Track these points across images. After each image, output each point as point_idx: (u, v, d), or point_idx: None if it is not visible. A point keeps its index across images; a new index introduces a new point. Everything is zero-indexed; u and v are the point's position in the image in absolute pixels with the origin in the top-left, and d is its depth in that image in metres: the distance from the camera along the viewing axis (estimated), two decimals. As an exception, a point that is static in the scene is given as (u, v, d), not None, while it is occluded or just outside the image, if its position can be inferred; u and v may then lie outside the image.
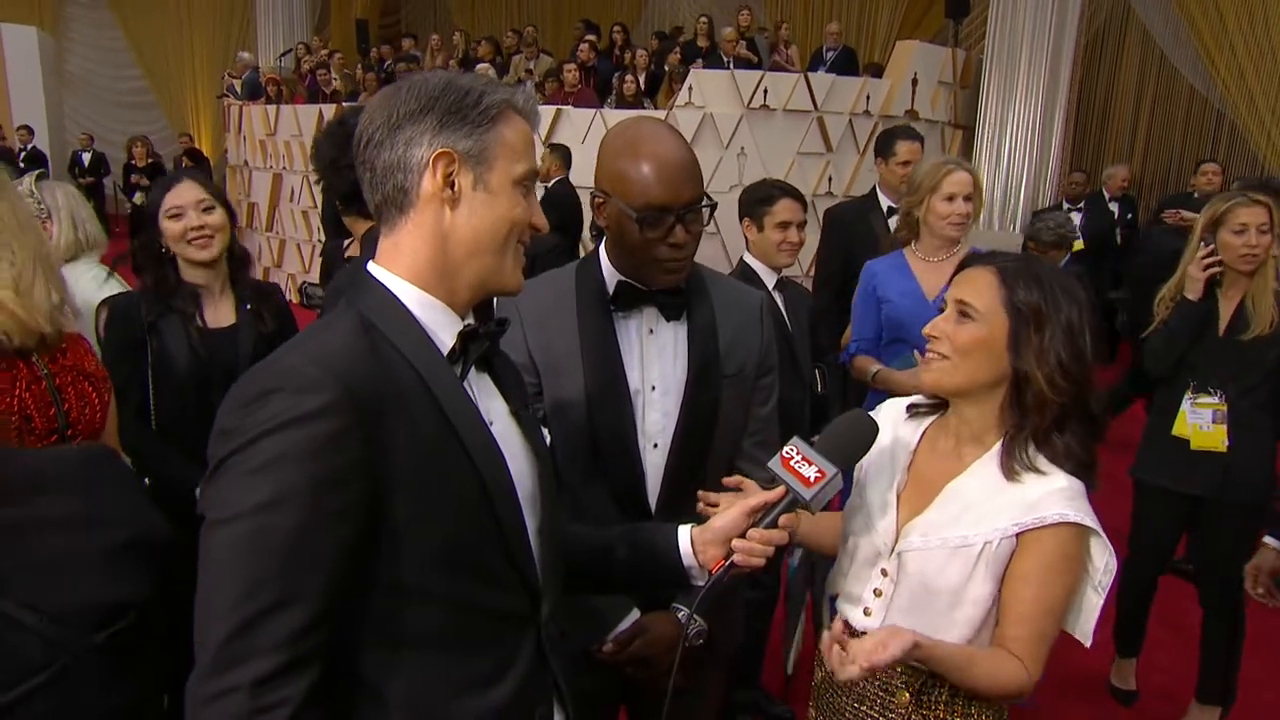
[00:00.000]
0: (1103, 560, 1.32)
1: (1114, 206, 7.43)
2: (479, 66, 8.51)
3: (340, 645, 0.93)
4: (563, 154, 6.52)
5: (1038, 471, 1.30)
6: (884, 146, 3.55)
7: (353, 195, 2.07)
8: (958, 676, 1.29)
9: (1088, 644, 1.37)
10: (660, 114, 7.36)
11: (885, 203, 3.52)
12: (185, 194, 2.16)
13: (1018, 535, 1.29)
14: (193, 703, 0.86)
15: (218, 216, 2.18)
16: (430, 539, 0.96)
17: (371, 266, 1.05)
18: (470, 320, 1.07)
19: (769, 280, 2.66)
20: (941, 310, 1.38)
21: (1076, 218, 6.95)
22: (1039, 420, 1.30)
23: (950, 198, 2.64)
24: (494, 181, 1.02)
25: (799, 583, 2.73)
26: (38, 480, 0.99)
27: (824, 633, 1.36)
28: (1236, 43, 8.24)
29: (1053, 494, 1.28)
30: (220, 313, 2.24)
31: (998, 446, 1.35)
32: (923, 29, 10.31)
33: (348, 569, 0.91)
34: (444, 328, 1.03)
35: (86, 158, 12.07)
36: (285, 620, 0.86)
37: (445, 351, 1.02)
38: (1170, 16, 8.86)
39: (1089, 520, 1.28)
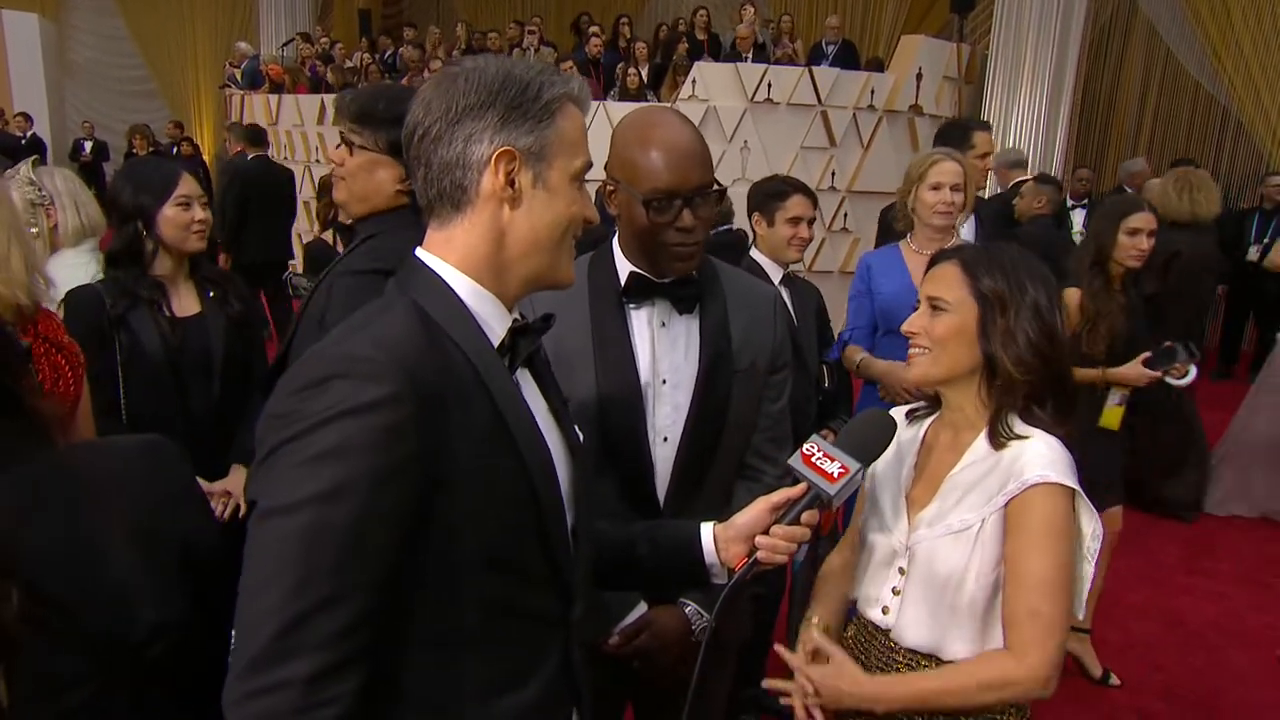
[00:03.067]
0: (1090, 527, 1.34)
1: None
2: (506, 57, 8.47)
3: (383, 642, 0.91)
4: (243, 132, 6.82)
5: (1019, 438, 1.34)
6: (960, 140, 3.45)
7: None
8: (948, 703, 1.31)
9: (1080, 616, 1.38)
10: (665, 105, 7.33)
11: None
12: (190, 185, 2.20)
13: (1006, 506, 1.31)
14: (236, 696, 0.83)
15: (209, 213, 2.25)
16: (479, 536, 0.94)
17: (421, 253, 1.02)
18: (519, 315, 1.05)
19: (775, 275, 2.66)
20: (916, 308, 1.43)
21: (1079, 216, 6.93)
22: (1011, 399, 1.35)
23: (936, 187, 2.65)
24: (553, 179, 1.00)
25: (805, 577, 2.73)
26: (101, 486, 0.94)
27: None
28: (1243, 38, 8.22)
29: (1034, 458, 1.31)
30: (184, 302, 2.25)
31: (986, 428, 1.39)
32: (927, 23, 10.27)
33: (399, 564, 0.88)
34: (495, 320, 1.01)
35: (88, 146, 12.05)
36: (339, 615, 0.84)
37: (495, 344, 1.00)
38: (1176, 12, 8.83)
39: (1070, 480, 1.30)
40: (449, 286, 0.99)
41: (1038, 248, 4.33)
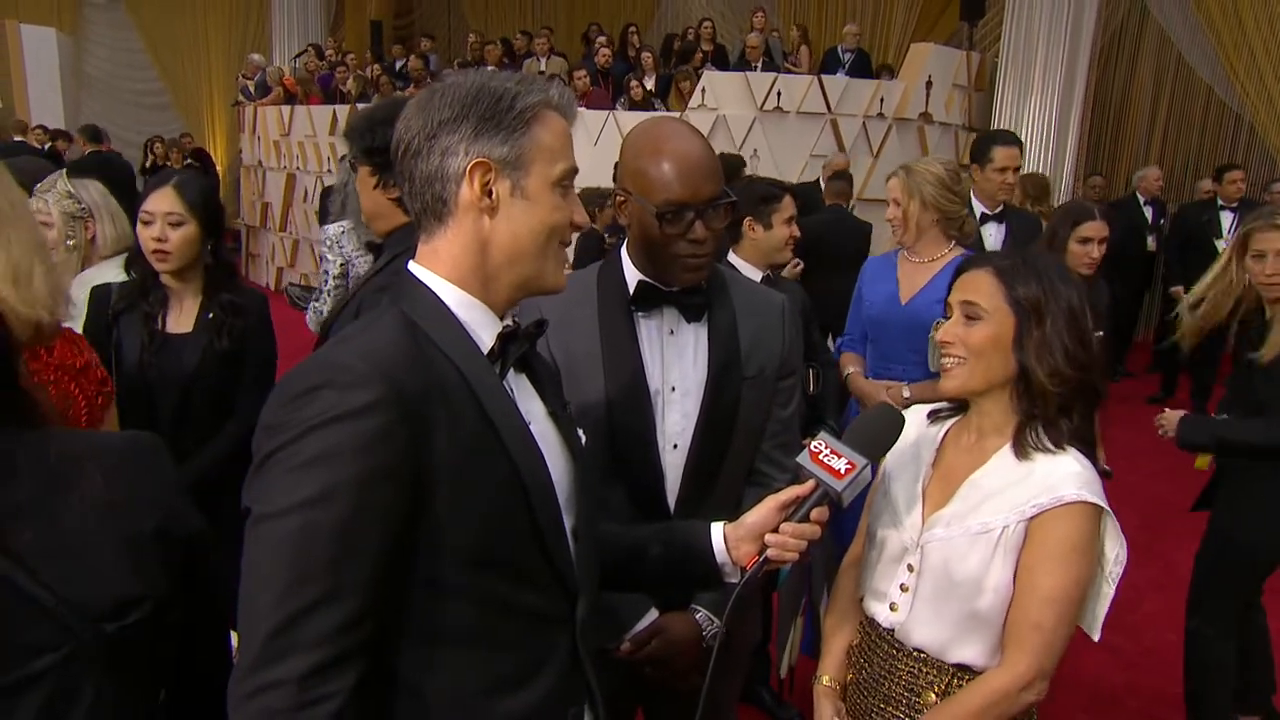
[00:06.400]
0: (1114, 551, 1.34)
1: (1149, 210, 7.32)
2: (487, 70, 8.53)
3: (380, 642, 0.94)
4: (89, 132, 7.86)
5: (1049, 451, 1.33)
6: (979, 153, 3.46)
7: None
8: None
9: (1095, 637, 1.37)
10: (674, 115, 7.37)
11: (979, 209, 3.42)
12: (159, 202, 2.13)
13: (1033, 519, 1.30)
14: (236, 697, 0.87)
15: (181, 233, 2.14)
16: (469, 537, 0.96)
17: (413, 266, 1.06)
18: (509, 321, 1.07)
19: (755, 279, 2.62)
20: (947, 316, 1.41)
21: (1090, 223, 6.88)
22: (1046, 407, 1.34)
23: (889, 204, 2.73)
24: (531, 187, 1.02)
25: (792, 585, 2.71)
26: (72, 462, 0.96)
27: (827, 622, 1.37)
28: (1255, 44, 8.18)
29: (1070, 476, 1.31)
30: (183, 318, 2.23)
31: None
32: (937, 31, 10.26)
33: (391, 564, 0.91)
34: (484, 328, 1.04)
35: (103, 158, 12.15)
36: (331, 615, 0.87)
37: (485, 351, 1.02)
38: (1188, 18, 8.79)
39: (1102, 500, 1.30)
40: (437, 297, 1.02)
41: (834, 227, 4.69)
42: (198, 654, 1.05)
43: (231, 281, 2.31)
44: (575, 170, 1.06)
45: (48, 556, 0.90)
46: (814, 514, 1.20)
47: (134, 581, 0.92)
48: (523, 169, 1.01)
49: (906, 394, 2.60)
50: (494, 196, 1.01)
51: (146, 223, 2.14)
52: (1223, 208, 6.63)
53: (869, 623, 1.47)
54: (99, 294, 2.24)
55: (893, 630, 1.42)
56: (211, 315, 2.22)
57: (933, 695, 1.37)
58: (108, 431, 1.37)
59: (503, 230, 1.02)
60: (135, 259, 2.21)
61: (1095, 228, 2.81)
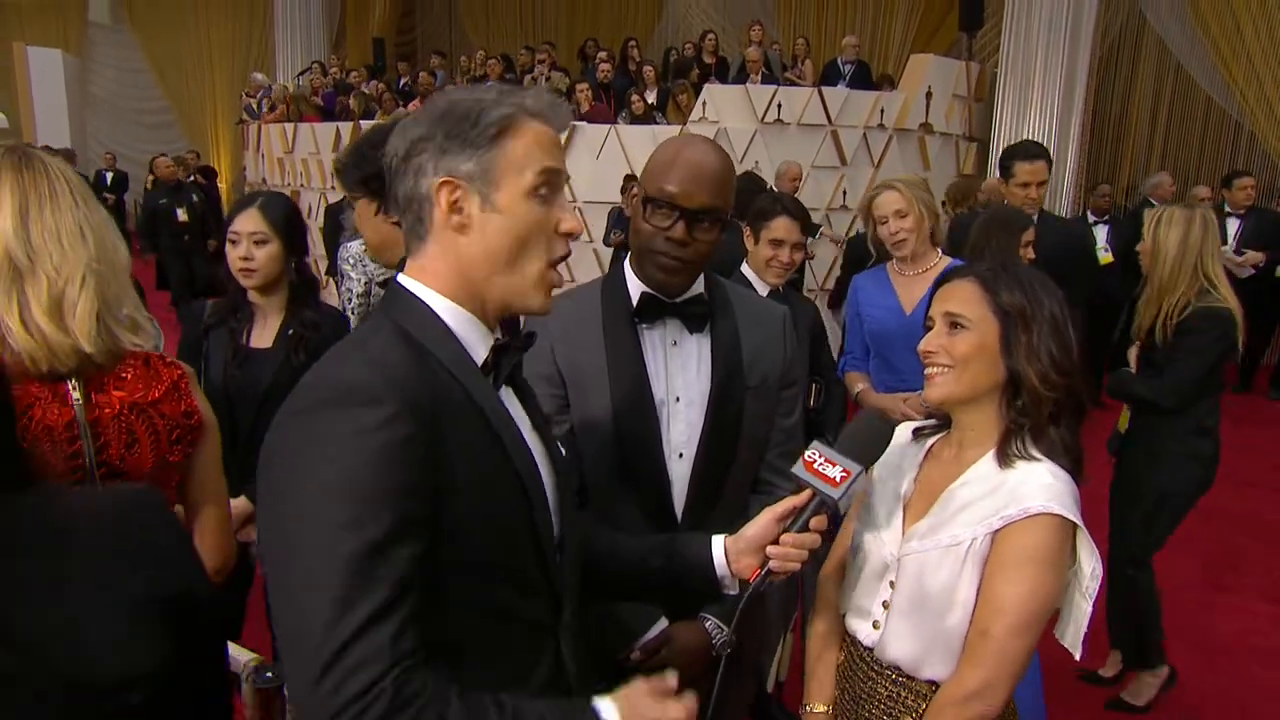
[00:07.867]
0: (1090, 565, 1.30)
1: None
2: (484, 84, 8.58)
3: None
4: (61, 154, 8.39)
5: (1031, 459, 1.31)
6: (1003, 167, 3.47)
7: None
8: None
9: (1077, 655, 1.33)
10: (675, 129, 7.41)
11: None
12: (244, 222, 2.23)
13: (998, 530, 1.27)
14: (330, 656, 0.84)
15: (266, 251, 2.23)
16: (473, 545, 0.96)
17: (402, 279, 1.05)
18: (499, 334, 1.07)
19: (762, 291, 2.63)
20: (928, 328, 1.39)
21: (1102, 232, 6.85)
22: (1037, 416, 1.32)
23: (883, 220, 2.70)
24: (501, 199, 0.99)
25: (781, 598, 2.69)
26: (68, 528, 0.89)
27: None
28: (1254, 52, 8.21)
29: (1041, 488, 1.27)
30: (266, 334, 2.29)
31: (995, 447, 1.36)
32: (936, 42, 10.32)
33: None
34: (477, 340, 1.03)
35: (110, 177, 12.24)
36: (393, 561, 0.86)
37: (479, 363, 1.02)
38: (1186, 27, 8.83)
39: (1072, 514, 1.26)
40: (430, 308, 1.01)
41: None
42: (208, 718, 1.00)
43: (314, 298, 2.37)
44: (554, 173, 1.02)
45: (52, 639, 0.83)
46: (813, 523, 1.20)
47: (140, 656, 0.87)
48: (492, 183, 0.99)
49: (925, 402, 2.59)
50: (464, 213, 0.99)
51: (234, 242, 2.24)
52: (1229, 214, 6.56)
53: (851, 641, 1.45)
54: (188, 310, 2.36)
55: (872, 649, 1.40)
56: (292, 331, 2.28)
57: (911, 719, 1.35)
58: (112, 487, 1.27)
59: (475, 247, 1.00)
60: (227, 277, 2.30)
61: (1033, 233, 2.92)
